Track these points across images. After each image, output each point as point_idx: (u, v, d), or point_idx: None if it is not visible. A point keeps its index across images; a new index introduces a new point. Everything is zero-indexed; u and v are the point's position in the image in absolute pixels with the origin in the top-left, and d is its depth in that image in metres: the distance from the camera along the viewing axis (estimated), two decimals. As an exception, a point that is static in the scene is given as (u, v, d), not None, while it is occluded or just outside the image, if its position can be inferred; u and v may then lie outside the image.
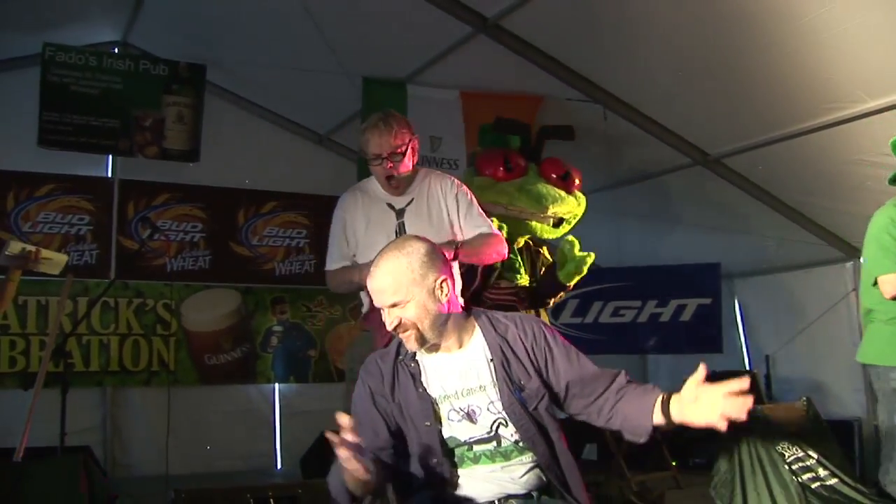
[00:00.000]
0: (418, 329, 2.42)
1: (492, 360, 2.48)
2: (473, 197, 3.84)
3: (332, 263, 3.84)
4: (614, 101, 6.02)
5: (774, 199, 6.50)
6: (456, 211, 3.74)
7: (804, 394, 5.53)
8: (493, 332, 2.52)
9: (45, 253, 4.40)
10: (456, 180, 3.86)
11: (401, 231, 3.68)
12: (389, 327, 2.45)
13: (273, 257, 7.84)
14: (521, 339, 2.52)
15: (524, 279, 4.69)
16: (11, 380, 6.55)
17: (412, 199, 3.75)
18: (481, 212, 3.82)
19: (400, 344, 2.54)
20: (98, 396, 7.09)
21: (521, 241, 4.86)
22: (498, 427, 2.44)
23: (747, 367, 7.65)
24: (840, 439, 5.38)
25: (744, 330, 8.02)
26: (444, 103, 6.32)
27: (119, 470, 6.90)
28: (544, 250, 4.96)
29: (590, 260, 4.53)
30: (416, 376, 2.48)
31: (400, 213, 3.73)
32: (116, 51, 7.07)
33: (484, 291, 4.51)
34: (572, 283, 4.61)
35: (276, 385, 7.78)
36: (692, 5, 4.85)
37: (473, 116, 6.28)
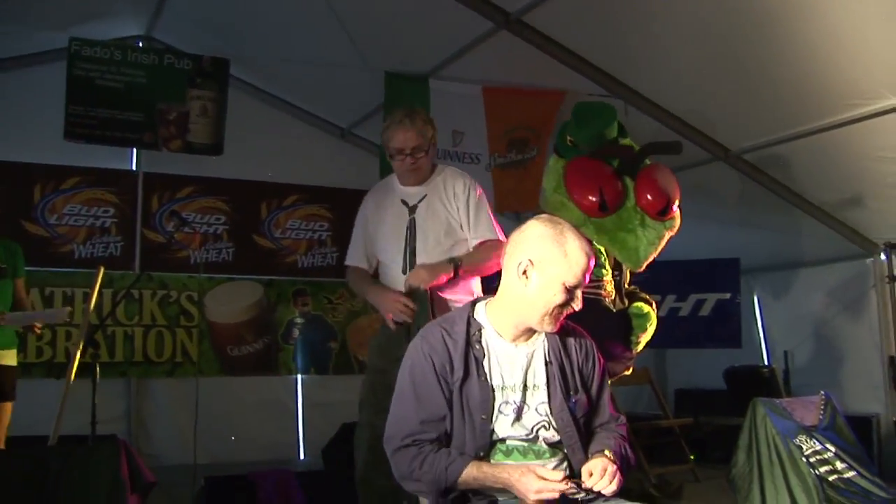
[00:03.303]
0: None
1: (550, 363, 2.47)
2: (484, 200, 3.77)
3: (350, 260, 3.92)
4: (635, 97, 6.05)
5: (795, 195, 6.51)
6: (466, 214, 3.69)
7: (822, 389, 5.54)
8: (555, 336, 2.51)
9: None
10: (469, 181, 3.78)
11: (412, 228, 3.68)
12: (579, 306, 2.41)
13: (295, 250, 7.92)
14: (576, 352, 2.53)
15: (608, 273, 4.32)
16: (38, 369, 6.64)
17: (425, 196, 3.73)
18: (490, 216, 3.74)
19: (469, 324, 2.49)
20: (122, 387, 7.19)
21: None
22: (539, 430, 2.42)
23: (766, 363, 7.66)
24: (858, 435, 5.38)
25: (763, 325, 8.02)
26: (466, 98, 6.34)
27: (143, 459, 6.96)
28: None
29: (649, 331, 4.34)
30: (479, 361, 2.43)
31: (412, 210, 3.71)
32: (141, 45, 7.15)
33: None
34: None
35: (299, 376, 7.85)
36: (714, 1, 4.87)
37: (496, 111, 6.33)
